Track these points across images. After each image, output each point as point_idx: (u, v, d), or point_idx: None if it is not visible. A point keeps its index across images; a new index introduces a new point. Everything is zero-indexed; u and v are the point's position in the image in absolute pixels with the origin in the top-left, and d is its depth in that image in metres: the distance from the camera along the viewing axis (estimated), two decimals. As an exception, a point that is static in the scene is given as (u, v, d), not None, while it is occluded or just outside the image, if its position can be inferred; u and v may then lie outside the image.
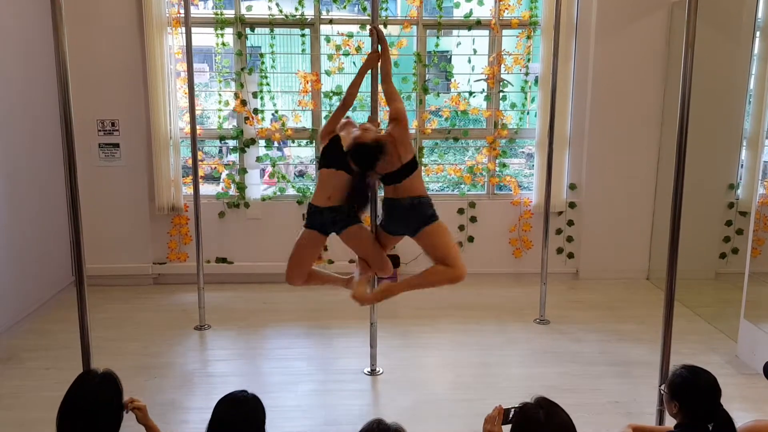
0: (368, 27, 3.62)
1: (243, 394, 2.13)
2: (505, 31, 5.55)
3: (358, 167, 3.19)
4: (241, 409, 2.08)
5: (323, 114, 5.54)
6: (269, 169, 5.79)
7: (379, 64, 3.50)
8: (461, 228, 5.73)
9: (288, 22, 5.39)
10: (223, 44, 5.41)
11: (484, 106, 5.67)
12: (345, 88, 5.27)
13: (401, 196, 3.29)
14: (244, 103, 5.46)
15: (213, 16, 5.36)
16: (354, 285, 3.47)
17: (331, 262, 5.67)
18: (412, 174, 3.28)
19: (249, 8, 5.41)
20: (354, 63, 5.43)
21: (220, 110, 5.53)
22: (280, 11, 5.34)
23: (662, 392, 2.57)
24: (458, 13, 5.51)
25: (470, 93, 5.58)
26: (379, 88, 3.58)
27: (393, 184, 3.30)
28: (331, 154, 3.40)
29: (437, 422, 3.47)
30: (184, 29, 4.51)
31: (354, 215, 3.45)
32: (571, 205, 5.73)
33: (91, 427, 2.06)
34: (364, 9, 5.35)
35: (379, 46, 3.49)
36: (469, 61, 5.52)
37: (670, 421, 2.54)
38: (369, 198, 3.43)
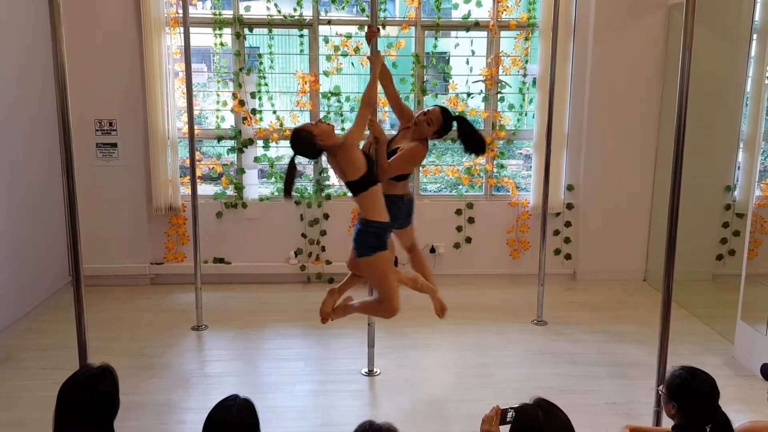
0: (366, 29, 3.64)
1: (232, 401, 2.09)
2: (503, 33, 5.56)
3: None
4: (231, 418, 2.05)
5: (321, 115, 5.53)
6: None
7: (380, 77, 3.61)
8: (459, 229, 5.73)
9: (286, 23, 5.38)
10: (222, 44, 5.41)
11: (482, 107, 5.67)
12: (343, 89, 5.30)
13: (405, 192, 3.56)
14: (242, 103, 5.46)
15: (211, 16, 5.36)
16: (324, 301, 3.62)
17: (329, 262, 5.67)
18: (359, 194, 3.29)
19: (247, 8, 5.41)
20: (352, 64, 5.43)
21: (218, 110, 5.52)
22: (279, 12, 5.34)
23: (660, 393, 2.58)
24: (456, 15, 5.51)
25: (468, 94, 5.58)
26: (379, 88, 3.63)
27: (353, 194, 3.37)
28: (373, 168, 3.39)
29: (435, 423, 3.47)
30: (182, 29, 4.51)
31: None
32: (569, 206, 5.74)
33: (88, 419, 2.06)
34: (363, 10, 5.35)
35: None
36: (468, 62, 5.52)
37: (668, 422, 2.54)
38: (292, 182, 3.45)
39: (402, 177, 3.66)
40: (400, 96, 3.72)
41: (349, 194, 3.41)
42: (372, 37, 3.57)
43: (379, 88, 3.66)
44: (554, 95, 4.76)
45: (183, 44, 4.53)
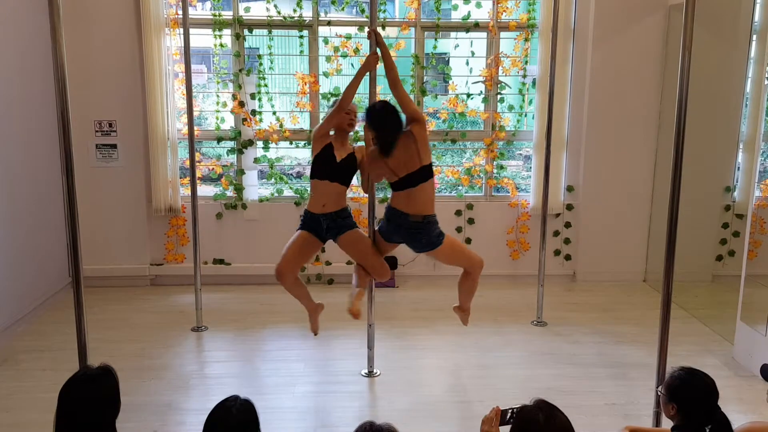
0: (366, 30, 3.66)
1: (233, 401, 2.09)
2: (502, 34, 5.56)
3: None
4: (231, 419, 2.06)
5: (321, 115, 5.53)
6: None
7: (385, 71, 3.55)
8: (459, 230, 5.73)
9: (286, 24, 5.39)
10: (221, 45, 5.41)
11: (481, 108, 5.67)
12: (342, 90, 5.31)
13: (412, 212, 3.43)
14: (242, 104, 5.46)
15: (211, 17, 5.36)
16: (352, 298, 3.72)
17: (328, 263, 5.66)
18: (427, 181, 3.44)
19: (247, 9, 5.41)
20: (352, 65, 5.43)
21: (217, 111, 5.52)
22: (278, 13, 5.34)
23: (659, 394, 2.58)
24: (456, 16, 5.52)
25: (468, 95, 5.58)
26: (378, 90, 3.62)
27: (406, 186, 3.40)
28: (324, 165, 3.52)
29: (434, 424, 3.47)
30: (182, 30, 4.52)
31: (349, 221, 3.56)
32: (569, 207, 5.74)
33: (90, 420, 2.06)
34: (363, 11, 5.35)
35: (379, 50, 3.52)
36: (467, 63, 5.53)
37: (667, 423, 2.54)
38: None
39: (393, 186, 3.51)
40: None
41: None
42: (369, 38, 3.57)
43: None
44: (554, 96, 4.77)
45: (183, 45, 4.53)
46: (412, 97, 5.48)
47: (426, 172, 3.44)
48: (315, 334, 3.93)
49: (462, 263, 3.74)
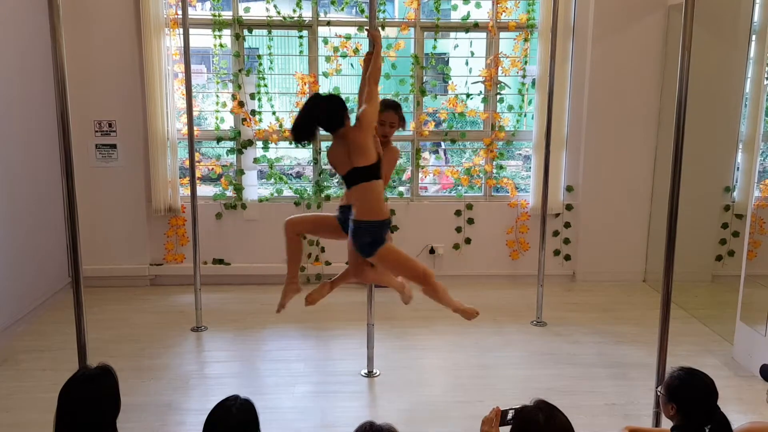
0: (366, 30, 3.66)
1: (233, 401, 2.10)
2: (502, 34, 5.56)
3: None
4: (231, 418, 2.06)
5: (321, 115, 5.53)
6: None
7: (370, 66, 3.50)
8: (458, 230, 5.73)
9: (286, 24, 5.39)
10: (221, 45, 5.41)
11: (481, 108, 5.67)
12: (342, 90, 5.33)
13: (353, 215, 3.30)
14: (241, 104, 5.46)
15: (211, 17, 5.36)
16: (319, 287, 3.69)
17: (328, 263, 5.66)
18: (361, 183, 3.22)
19: (247, 10, 5.41)
20: (352, 65, 5.43)
21: (217, 111, 5.52)
22: (278, 13, 5.34)
23: (659, 394, 2.58)
24: (456, 16, 5.52)
25: (467, 95, 5.58)
26: (378, 90, 3.61)
27: (347, 185, 3.32)
28: None
29: (434, 424, 3.47)
30: (181, 30, 4.52)
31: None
32: (568, 207, 5.74)
33: (90, 420, 2.06)
34: (362, 11, 5.35)
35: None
36: (467, 63, 5.53)
37: (667, 423, 2.55)
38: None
39: None
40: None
41: None
42: (369, 38, 3.57)
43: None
44: (553, 96, 4.77)
45: (182, 45, 4.53)
46: (411, 97, 5.51)
47: (359, 175, 3.22)
48: (278, 311, 3.64)
49: (406, 276, 3.53)
